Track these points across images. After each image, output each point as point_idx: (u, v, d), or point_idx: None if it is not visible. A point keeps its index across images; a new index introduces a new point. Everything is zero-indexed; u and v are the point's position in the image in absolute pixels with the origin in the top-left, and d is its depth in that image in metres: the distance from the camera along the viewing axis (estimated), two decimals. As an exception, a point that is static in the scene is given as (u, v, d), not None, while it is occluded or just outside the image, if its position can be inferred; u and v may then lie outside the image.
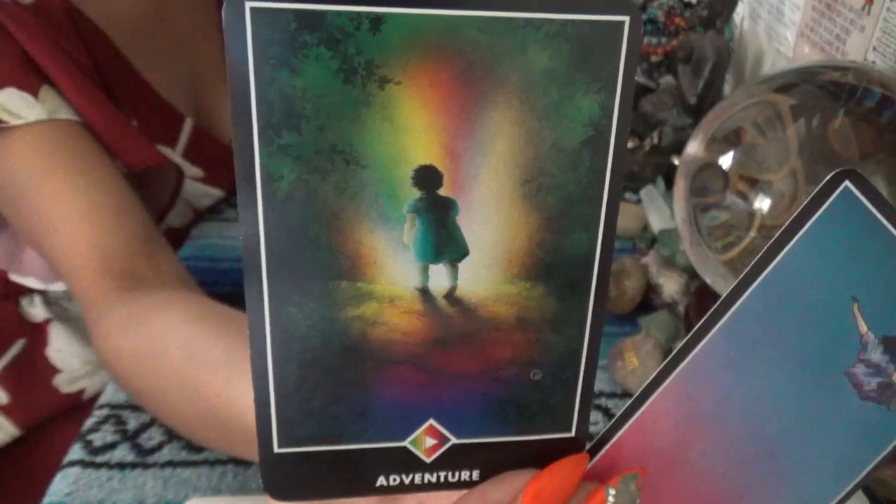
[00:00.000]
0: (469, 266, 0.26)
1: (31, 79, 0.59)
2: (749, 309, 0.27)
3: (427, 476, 0.28)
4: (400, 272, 0.26)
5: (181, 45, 0.76)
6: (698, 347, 0.27)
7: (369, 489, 0.28)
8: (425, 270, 0.26)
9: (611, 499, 0.26)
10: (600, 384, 0.59)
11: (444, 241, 0.25)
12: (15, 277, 0.68)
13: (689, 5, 0.74)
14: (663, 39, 0.75)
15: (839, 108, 0.45)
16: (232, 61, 0.22)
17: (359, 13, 0.22)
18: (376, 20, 0.23)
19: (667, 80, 0.79)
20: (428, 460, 0.28)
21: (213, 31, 0.80)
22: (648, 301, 0.67)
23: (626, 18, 0.24)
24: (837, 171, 0.26)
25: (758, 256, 0.26)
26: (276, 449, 0.27)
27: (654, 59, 0.78)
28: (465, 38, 0.23)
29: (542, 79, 0.24)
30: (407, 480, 0.28)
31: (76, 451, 0.51)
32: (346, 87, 0.23)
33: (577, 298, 0.27)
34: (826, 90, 0.46)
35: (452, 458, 0.28)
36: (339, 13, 0.22)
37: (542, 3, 0.23)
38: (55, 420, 0.72)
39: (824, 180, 0.26)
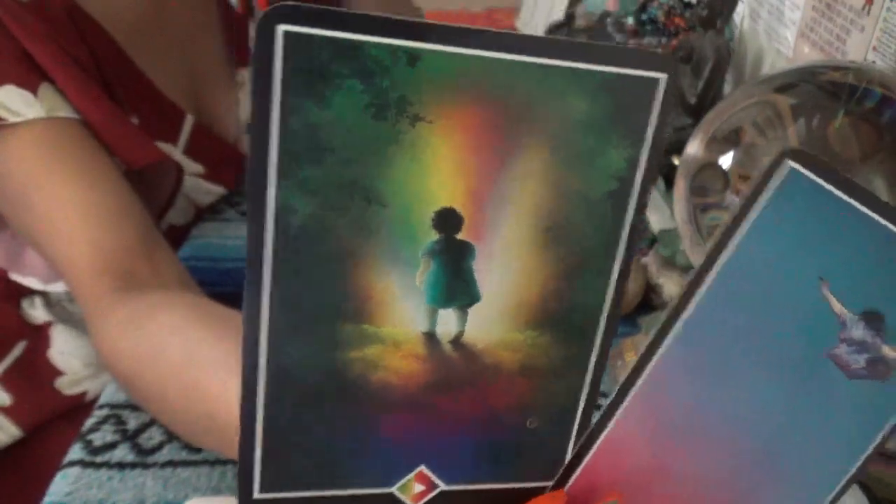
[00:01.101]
0: (479, 312, 0.25)
1: (31, 76, 0.58)
2: (705, 310, 0.26)
3: None
4: (408, 315, 0.25)
5: (182, 42, 0.76)
6: (656, 357, 0.26)
7: None
8: (434, 314, 0.25)
9: None
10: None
11: (457, 287, 0.25)
12: (16, 277, 0.68)
13: (689, 5, 0.74)
14: (663, 39, 0.75)
15: (839, 108, 0.44)
16: (258, 85, 0.21)
17: (397, 47, 0.21)
18: (413, 55, 0.22)
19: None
20: None
21: (214, 27, 0.80)
22: (648, 301, 0.67)
23: (663, 76, 0.23)
24: (780, 152, 0.24)
25: (706, 254, 0.25)
26: (255, 493, 0.26)
27: (654, 58, 0.78)
28: (502, 81, 0.22)
29: (576, 129, 0.24)
30: None
31: (76, 451, 0.51)
32: (376, 122, 0.22)
33: (582, 346, 0.27)
34: (826, 90, 0.46)
35: None
36: (379, 45, 0.21)
37: (584, 53, 0.23)
38: (57, 421, 0.72)
39: (767, 164, 0.24)
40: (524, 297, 0.25)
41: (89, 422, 0.53)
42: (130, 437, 0.52)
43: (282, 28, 0.21)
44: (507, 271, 0.25)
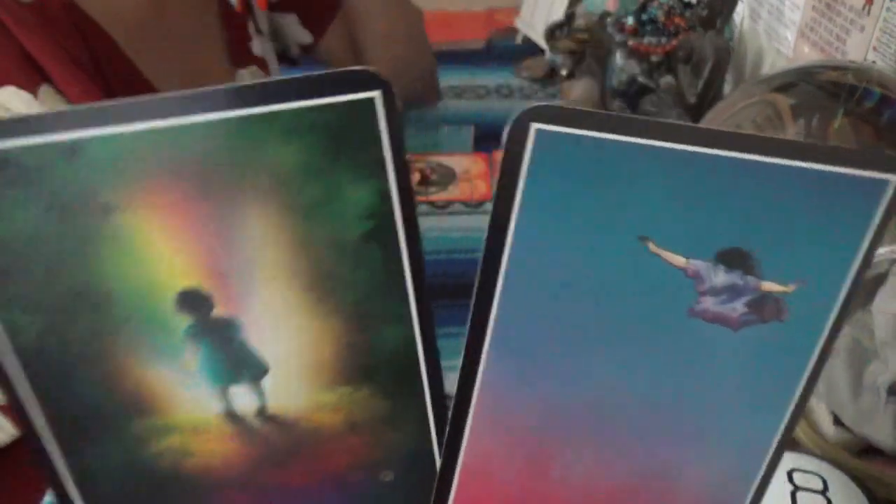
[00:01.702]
0: (274, 381, 0.23)
1: (31, 77, 0.59)
2: (510, 308, 0.22)
3: None
4: (196, 400, 0.23)
5: (182, 42, 0.76)
6: (480, 374, 0.23)
7: None
8: (225, 394, 0.23)
9: None
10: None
11: (236, 363, 0.23)
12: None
13: (689, 5, 0.74)
14: (663, 39, 0.75)
15: (839, 107, 0.44)
16: None
17: (45, 145, 0.19)
18: (70, 149, 0.19)
19: (667, 80, 0.78)
20: None
21: (213, 27, 0.80)
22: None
23: (376, 93, 0.20)
24: (514, 118, 0.20)
25: (483, 250, 0.21)
26: None
27: (654, 59, 0.78)
28: (186, 148, 0.20)
29: (295, 175, 0.21)
30: None
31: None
32: (63, 224, 0.20)
33: (408, 393, 0.24)
34: (826, 90, 0.46)
35: None
36: (21, 148, 0.19)
37: (267, 94, 0.20)
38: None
39: (504, 140, 0.20)
40: (318, 357, 0.23)
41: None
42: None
43: None
44: (286, 336, 0.23)
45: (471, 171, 0.67)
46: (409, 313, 0.23)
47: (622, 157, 0.20)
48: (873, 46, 0.50)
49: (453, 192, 0.65)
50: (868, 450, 0.39)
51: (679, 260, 0.22)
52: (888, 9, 0.48)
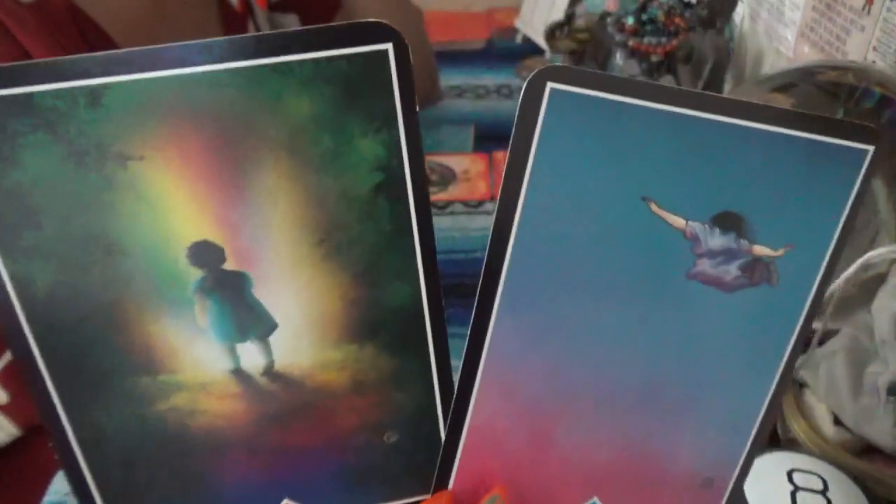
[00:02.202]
0: (282, 338, 0.23)
1: None
2: (521, 268, 0.23)
3: None
4: (204, 357, 0.23)
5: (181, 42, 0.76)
6: (489, 334, 0.23)
7: None
8: (233, 351, 0.23)
9: None
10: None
11: (245, 318, 0.23)
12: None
13: (689, 5, 0.74)
14: (663, 39, 0.75)
15: (839, 107, 0.45)
16: None
17: (70, 90, 0.20)
18: (93, 94, 0.20)
19: (667, 80, 0.79)
20: None
21: (213, 27, 0.80)
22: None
23: (389, 46, 0.21)
24: (532, 75, 0.21)
25: (496, 211, 0.22)
26: None
27: (654, 59, 0.78)
28: (204, 97, 0.20)
29: (308, 127, 0.21)
30: None
31: (76, 451, 0.51)
32: (80, 171, 0.20)
33: (413, 352, 0.24)
34: (826, 90, 0.46)
35: None
36: (47, 93, 0.20)
37: (284, 44, 0.20)
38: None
39: (521, 97, 0.21)
40: (325, 313, 0.23)
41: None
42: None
43: None
44: (294, 291, 0.23)
45: (471, 171, 0.67)
46: (416, 270, 0.23)
47: (631, 119, 0.21)
48: (873, 46, 0.50)
49: (453, 192, 0.64)
50: (868, 450, 0.39)
51: (679, 221, 0.23)
52: (888, 9, 0.48)
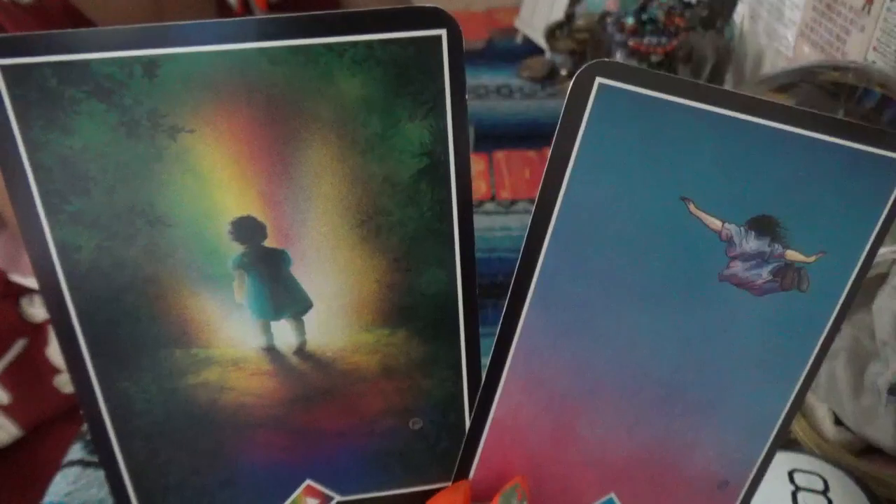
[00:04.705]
0: (316, 318, 0.23)
1: None
2: (555, 261, 0.23)
3: None
4: (238, 333, 0.23)
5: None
6: (519, 327, 0.23)
7: None
8: (267, 328, 0.23)
9: None
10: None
11: (281, 296, 0.23)
12: (16, 278, 0.68)
13: (689, 5, 0.74)
14: (663, 39, 0.75)
15: (839, 107, 0.44)
16: None
17: (128, 59, 0.20)
18: (150, 65, 0.20)
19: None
20: None
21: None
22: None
23: (443, 32, 0.21)
24: (582, 69, 0.21)
25: (535, 204, 0.22)
26: None
27: (654, 59, 0.78)
28: (259, 73, 0.20)
29: (357, 109, 0.21)
30: None
31: (76, 451, 0.51)
32: (131, 141, 0.21)
33: (445, 340, 0.25)
34: (826, 90, 0.46)
35: None
36: (104, 61, 0.20)
37: (342, 24, 0.20)
38: (55, 420, 0.72)
39: (569, 91, 0.21)
40: (360, 295, 0.23)
41: (89, 422, 0.53)
42: (130, 437, 0.52)
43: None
44: (331, 272, 0.23)
45: (471, 171, 0.67)
46: (454, 258, 0.24)
47: (675, 117, 0.21)
48: (873, 46, 0.50)
49: (453, 193, 0.64)
50: (869, 450, 0.39)
51: (716, 223, 0.23)
52: (888, 9, 0.48)
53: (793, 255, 0.23)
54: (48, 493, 0.50)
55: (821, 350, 0.25)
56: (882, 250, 0.40)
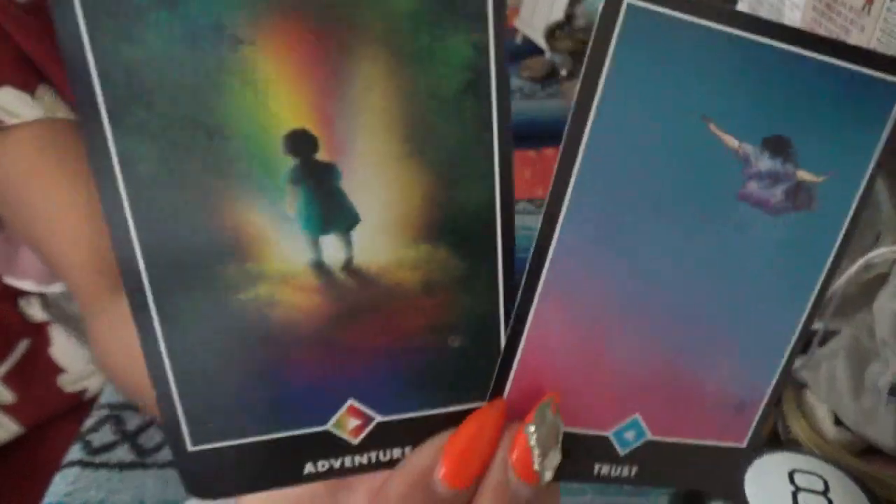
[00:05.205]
0: (363, 234, 0.24)
1: (29, 78, 0.59)
2: (588, 181, 0.24)
3: (357, 458, 0.26)
4: (289, 248, 0.24)
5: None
6: (553, 244, 0.24)
7: (298, 478, 0.26)
8: (316, 243, 0.24)
9: (532, 438, 0.24)
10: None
11: (331, 210, 0.24)
12: (10, 280, 0.68)
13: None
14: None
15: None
16: (64, 38, 0.21)
17: None
18: None
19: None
20: (355, 442, 0.26)
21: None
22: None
23: None
24: None
25: (568, 124, 0.23)
26: (189, 448, 0.25)
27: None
28: None
29: (407, 22, 0.22)
30: (336, 465, 0.26)
31: (76, 451, 0.51)
32: (194, 52, 0.21)
33: (483, 256, 0.25)
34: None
35: (381, 438, 0.26)
36: None
37: None
38: (56, 419, 0.72)
39: (598, 13, 0.22)
40: (406, 210, 0.24)
41: (89, 422, 0.53)
42: (130, 438, 0.52)
43: None
44: (377, 187, 0.24)
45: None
46: (493, 173, 0.24)
47: (699, 40, 0.23)
48: (873, 46, 0.50)
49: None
50: (869, 450, 0.39)
51: (733, 142, 0.24)
52: (888, 9, 0.48)
53: (804, 174, 0.24)
54: (48, 493, 0.50)
55: (830, 269, 0.26)
56: (883, 250, 0.40)
